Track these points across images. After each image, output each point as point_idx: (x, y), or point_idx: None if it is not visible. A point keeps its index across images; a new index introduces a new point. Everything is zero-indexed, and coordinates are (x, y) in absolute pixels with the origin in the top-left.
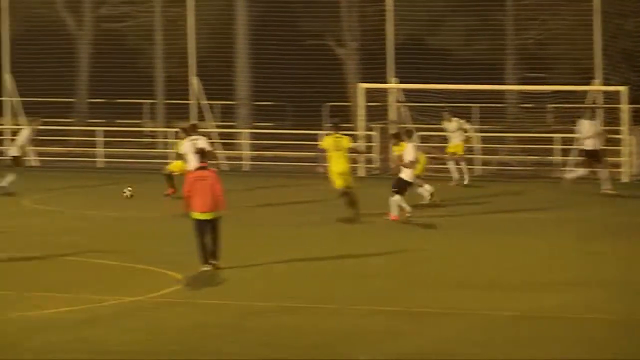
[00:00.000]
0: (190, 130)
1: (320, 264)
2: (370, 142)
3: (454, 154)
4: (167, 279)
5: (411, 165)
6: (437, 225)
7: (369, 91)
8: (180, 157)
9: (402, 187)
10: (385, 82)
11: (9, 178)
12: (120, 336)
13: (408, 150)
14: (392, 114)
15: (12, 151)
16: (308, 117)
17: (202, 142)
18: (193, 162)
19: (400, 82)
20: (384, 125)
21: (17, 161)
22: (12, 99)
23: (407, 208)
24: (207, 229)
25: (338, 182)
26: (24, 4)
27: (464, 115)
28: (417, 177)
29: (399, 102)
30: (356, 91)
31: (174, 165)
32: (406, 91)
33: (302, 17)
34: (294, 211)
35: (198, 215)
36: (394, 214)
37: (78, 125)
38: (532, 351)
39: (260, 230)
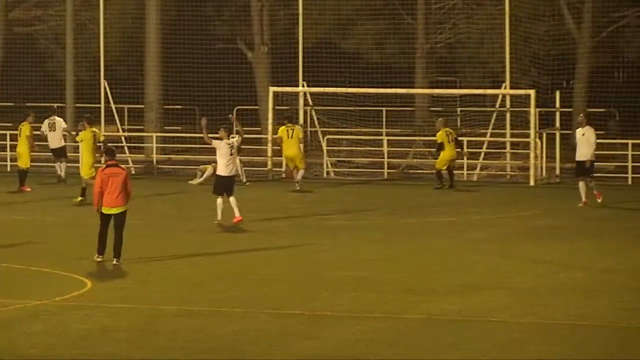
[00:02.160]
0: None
1: (225, 267)
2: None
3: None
4: (72, 282)
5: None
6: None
7: (278, 95)
8: None
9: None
10: (296, 86)
11: None
12: (25, 340)
13: None
14: (300, 118)
15: None
16: (217, 121)
17: None
18: None
19: (311, 86)
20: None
21: None
22: None
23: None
24: (112, 223)
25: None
26: None
27: (377, 119)
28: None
29: (307, 105)
30: (265, 95)
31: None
32: (316, 95)
33: (214, 20)
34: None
35: (106, 210)
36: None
37: None
38: (449, 352)
39: (163, 232)
